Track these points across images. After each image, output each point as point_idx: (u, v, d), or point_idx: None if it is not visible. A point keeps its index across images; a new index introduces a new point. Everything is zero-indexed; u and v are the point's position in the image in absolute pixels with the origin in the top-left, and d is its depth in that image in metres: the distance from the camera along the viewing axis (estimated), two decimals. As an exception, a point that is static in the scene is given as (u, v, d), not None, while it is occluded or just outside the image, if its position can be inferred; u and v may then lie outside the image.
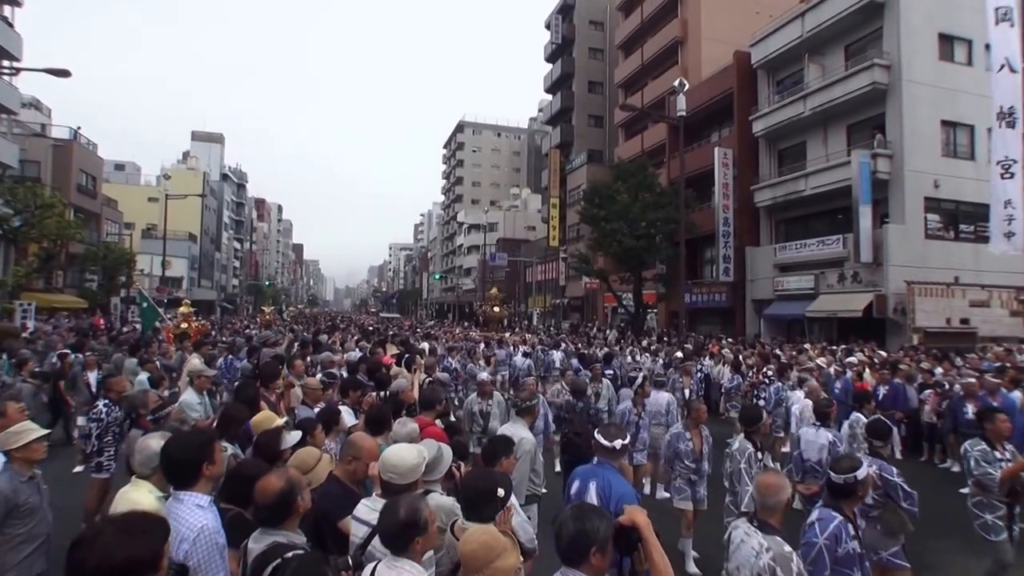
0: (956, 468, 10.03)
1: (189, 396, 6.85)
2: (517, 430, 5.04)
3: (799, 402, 9.02)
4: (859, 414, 7.47)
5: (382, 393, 7.18)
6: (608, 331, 31.28)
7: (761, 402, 13.41)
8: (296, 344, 14.03)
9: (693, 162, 28.71)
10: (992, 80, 15.97)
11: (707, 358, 16.05)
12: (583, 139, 51.06)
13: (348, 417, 5.68)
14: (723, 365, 14.90)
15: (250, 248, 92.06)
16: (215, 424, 4.98)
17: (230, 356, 11.99)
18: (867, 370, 12.85)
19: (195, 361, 9.74)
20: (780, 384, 11.17)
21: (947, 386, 11.24)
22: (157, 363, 9.73)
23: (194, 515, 2.68)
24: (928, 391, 11.37)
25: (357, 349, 13.96)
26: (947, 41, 23.21)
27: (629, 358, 16.06)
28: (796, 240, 26.39)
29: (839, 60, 24.97)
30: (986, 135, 20.93)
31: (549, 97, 58.51)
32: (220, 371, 10.58)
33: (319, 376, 7.50)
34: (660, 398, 8.64)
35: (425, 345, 16.72)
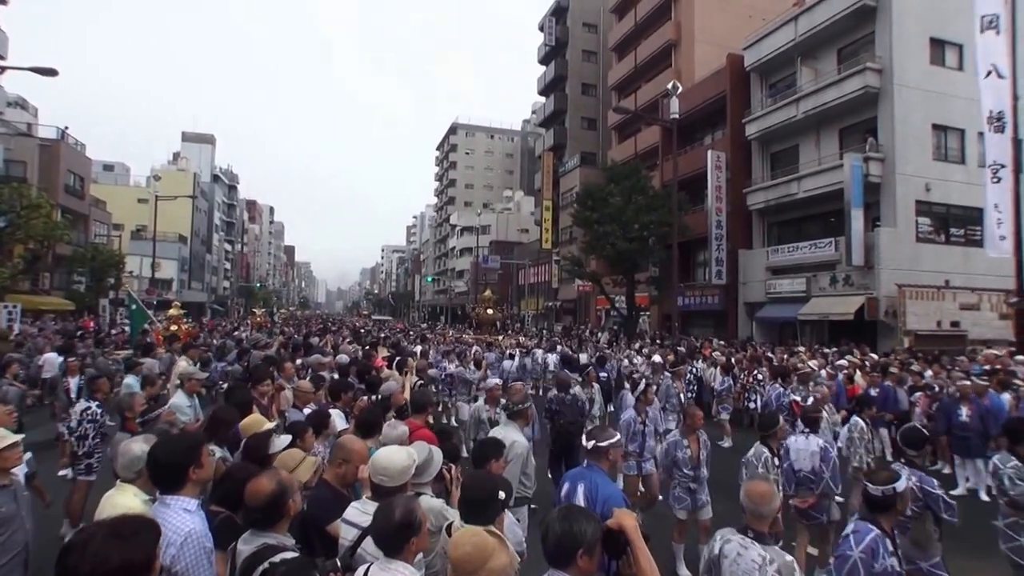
0: (947, 470, 10.08)
1: (179, 399, 6.81)
2: (509, 433, 5.03)
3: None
4: (858, 418, 7.45)
5: (373, 396, 7.14)
6: (600, 334, 31.31)
7: (752, 404, 13.57)
8: (288, 346, 13.98)
9: (686, 165, 28.78)
10: (979, 86, 16.09)
11: (699, 360, 16.07)
12: (576, 141, 51.18)
13: (339, 421, 5.65)
14: (715, 368, 14.92)
15: (241, 250, 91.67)
16: (204, 427, 4.94)
17: (218, 362, 11.87)
18: (858, 373, 12.90)
19: (184, 364, 9.66)
20: (783, 389, 11.12)
21: (937, 388, 11.31)
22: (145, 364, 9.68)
23: (181, 519, 2.65)
24: (918, 393, 11.43)
25: (351, 349, 13.93)
26: (938, 45, 23.35)
27: (626, 361, 15.98)
28: (788, 243, 26.48)
29: (832, 64, 25.09)
30: (976, 139, 21.06)
31: (542, 99, 58.61)
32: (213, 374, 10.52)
33: (308, 379, 7.45)
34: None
35: (418, 348, 16.70)
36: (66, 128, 38.22)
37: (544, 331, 37.56)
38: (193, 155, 69.41)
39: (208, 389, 10.35)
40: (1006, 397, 10.06)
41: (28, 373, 11.22)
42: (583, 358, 16.11)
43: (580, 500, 3.46)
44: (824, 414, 8.56)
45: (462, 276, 76.86)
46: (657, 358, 15.01)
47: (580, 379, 10.07)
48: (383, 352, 13.67)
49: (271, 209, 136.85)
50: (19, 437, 3.76)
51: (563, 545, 2.30)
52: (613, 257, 28.76)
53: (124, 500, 3.15)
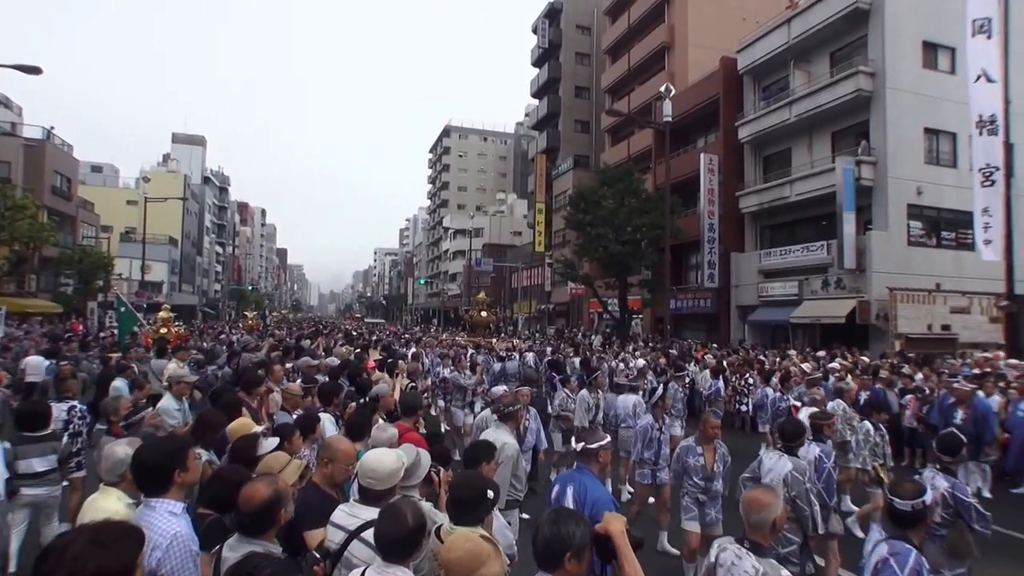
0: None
1: (167, 402, 6.73)
2: (500, 435, 4.98)
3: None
4: (868, 423, 7.38)
5: (363, 399, 7.08)
6: (593, 337, 31.32)
7: (744, 408, 13.57)
8: (279, 349, 13.87)
9: (679, 168, 28.87)
10: (969, 90, 16.19)
11: (691, 364, 16.04)
12: (569, 144, 51.22)
13: (330, 426, 5.59)
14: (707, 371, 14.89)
15: (232, 252, 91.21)
16: (191, 430, 4.89)
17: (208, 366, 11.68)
18: (848, 376, 12.91)
19: (173, 366, 9.55)
20: (780, 394, 11.08)
21: (927, 391, 11.36)
22: (135, 368, 9.58)
23: (167, 522, 2.63)
24: (909, 396, 11.47)
25: (343, 351, 13.85)
26: (931, 49, 23.51)
27: (622, 364, 15.81)
28: (781, 246, 26.55)
29: (824, 67, 25.21)
30: (968, 142, 21.20)
31: (535, 102, 58.66)
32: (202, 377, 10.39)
33: (298, 381, 7.38)
34: (627, 400, 8.84)
35: (411, 351, 16.62)
36: (52, 128, 37.86)
37: (536, 334, 37.56)
38: (183, 157, 69.09)
39: (203, 392, 10.20)
40: (996, 399, 10.13)
41: (15, 378, 11.05)
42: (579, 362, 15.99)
43: (569, 502, 3.46)
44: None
45: (455, 279, 76.80)
46: (641, 362, 14.99)
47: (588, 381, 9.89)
48: (375, 355, 13.61)
49: (263, 211, 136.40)
50: None
51: (551, 548, 2.30)
52: (606, 260, 28.78)
53: (108, 504, 3.12)
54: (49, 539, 5.28)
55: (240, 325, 37.84)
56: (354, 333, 29.15)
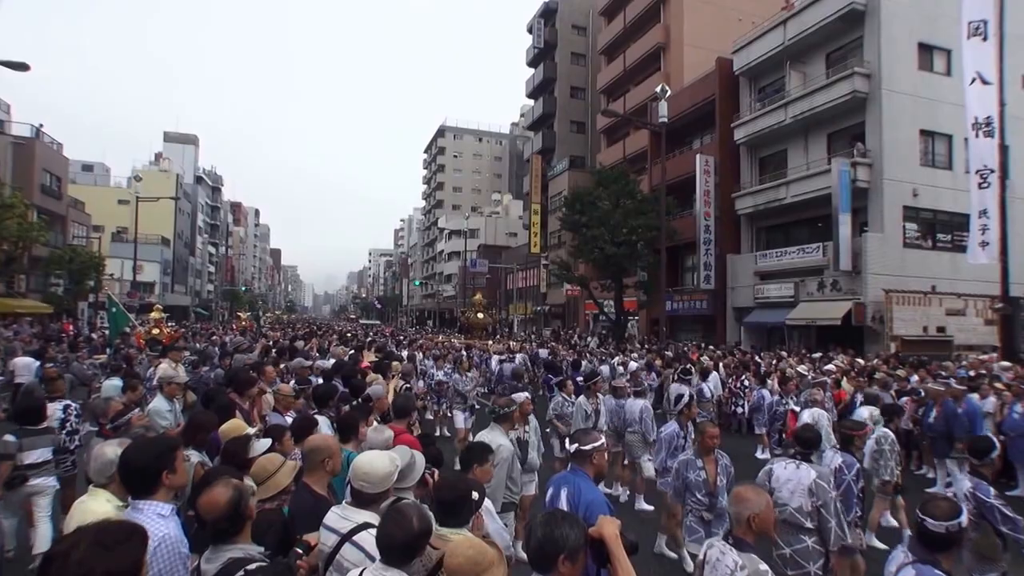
0: (932, 475, 10.10)
1: (159, 403, 6.68)
2: (495, 437, 4.93)
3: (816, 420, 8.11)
4: (886, 428, 7.27)
5: (355, 401, 7.00)
6: (589, 338, 31.31)
7: (740, 410, 13.53)
8: (272, 350, 13.75)
9: (675, 169, 28.88)
10: (965, 92, 16.22)
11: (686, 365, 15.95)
12: (565, 145, 51.23)
13: (326, 429, 5.50)
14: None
15: (226, 253, 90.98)
16: (182, 431, 4.84)
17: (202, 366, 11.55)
18: (844, 378, 12.88)
19: (164, 366, 9.46)
20: (778, 398, 11.00)
21: (923, 393, 11.33)
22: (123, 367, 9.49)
23: (155, 524, 2.55)
24: (904, 398, 11.44)
25: (340, 352, 13.78)
26: (927, 51, 23.57)
27: (621, 367, 15.65)
28: (776, 248, 26.61)
29: (820, 68, 25.24)
30: (963, 145, 21.26)
31: (531, 102, 58.64)
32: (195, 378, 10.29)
33: (292, 383, 7.31)
34: (634, 405, 8.48)
35: (405, 352, 16.55)
36: (41, 126, 37.57)
37: (532, 336, 37.52)
38: (176, 156, 68.77)
39: (196, 392, 10.08)
40: (991, 400, 10.12)
41: (5, 379, 10.95)
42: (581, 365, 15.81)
43: (563, 505, 3.42)
44: (824, 422, 8.43)
45: (450, 280, 76.74)
46: (633, 364, 14.88)
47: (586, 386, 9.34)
48: (369, 356, 13.53)
49: (256, 212, 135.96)
50: None
51: (545, 550, 2.29)
52: (601, 261, 28.75)
53: (96, 506, 3.10)
54: (40, 540, 5.25)
55: (233, 326, 37.61)
56: (348, 334, 28.94)
